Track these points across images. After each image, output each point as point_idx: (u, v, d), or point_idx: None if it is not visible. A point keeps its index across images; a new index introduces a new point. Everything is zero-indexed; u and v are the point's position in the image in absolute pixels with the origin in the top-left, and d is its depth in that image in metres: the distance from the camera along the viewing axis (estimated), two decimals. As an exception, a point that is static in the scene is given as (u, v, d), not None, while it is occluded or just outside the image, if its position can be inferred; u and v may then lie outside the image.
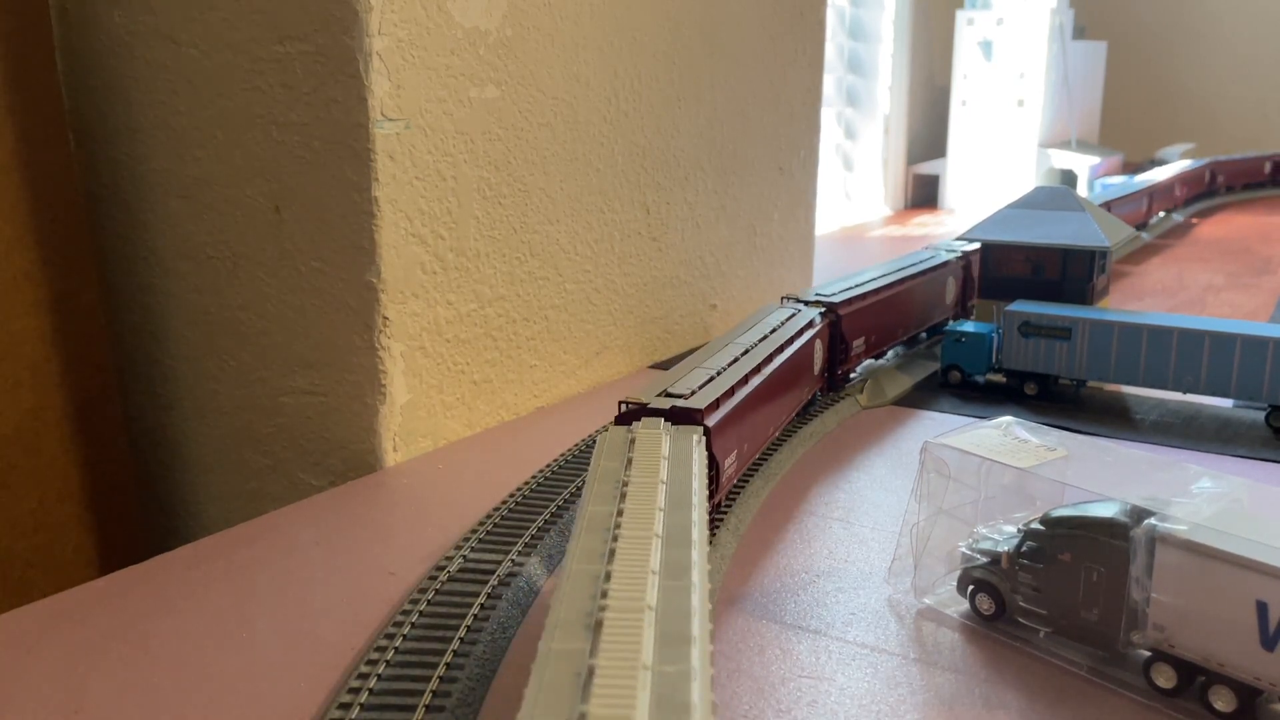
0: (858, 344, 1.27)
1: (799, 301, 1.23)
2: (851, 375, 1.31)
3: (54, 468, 1.08)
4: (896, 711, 0.65)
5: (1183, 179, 3.12)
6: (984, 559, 0.75)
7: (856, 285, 1.31)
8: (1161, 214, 2.95)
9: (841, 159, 3.46)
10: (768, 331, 1.08)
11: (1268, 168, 3.66)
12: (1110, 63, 4.06)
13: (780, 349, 1.04)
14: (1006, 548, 0.73)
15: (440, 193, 1.07)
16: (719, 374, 0.91)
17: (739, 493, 0.97)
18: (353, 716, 0.62)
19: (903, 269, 1.41)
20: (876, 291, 1.31)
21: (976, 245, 1.47)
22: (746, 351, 1.00)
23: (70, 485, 1.10)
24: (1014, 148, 3.49)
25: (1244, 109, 4.36)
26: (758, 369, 0.96)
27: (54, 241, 1.07)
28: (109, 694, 0.67)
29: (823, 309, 1.21)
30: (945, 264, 1.48)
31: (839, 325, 1.22)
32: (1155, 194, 2.84)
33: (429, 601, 0.75)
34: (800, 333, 1.11)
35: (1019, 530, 0.74)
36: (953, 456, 0.77)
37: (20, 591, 1.04)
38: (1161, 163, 3.58)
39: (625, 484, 0.62)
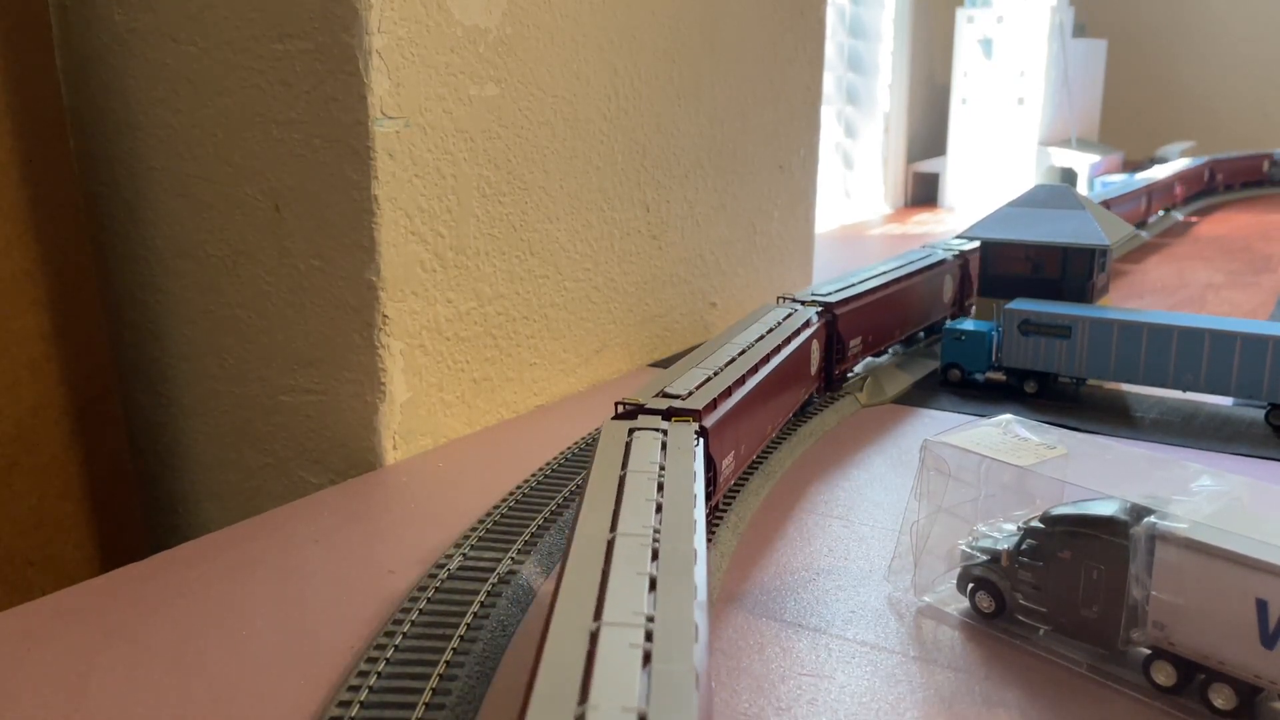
0: (727, 463, 0.88)
1: (643, 413, 0.80)
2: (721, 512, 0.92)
3: (54, 466, 1.08)
4: (896, 709, 0.65)
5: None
6: (984, 557, 0.75)
7: (709, 379, 0.90)
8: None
9: (841, 157, 3.46)
10: (613, 499, 0.64)
11: (1206, 175, 3.40)
12: (1110, 61, 4.06)
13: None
14: (1006, 546, 0.73)
15: (440, 191, 1.07)
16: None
17: (738, 492, 0.97)
18: (353, 714, 0.62)
19: (761, 338, 1.06)
20: (741, 381, 0.93)
21: (837, 294, 1.24)
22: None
23: (70, 483, 1.10)
24: (1014, 146, 3.49)
25: (1244, 107, 4.36)
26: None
27: (53, 240, 1.07)
28: (109, 692, 0.67)
29: (689, 421, 0.79)
30: (808, 323, 1.15)
31: (707, 441, 0.80)
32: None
33: (428, 600, 0.75)
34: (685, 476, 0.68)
35: (1019, 528, 0.74)
36: (952, 455, 0.77)
37: (20, 589, 1.04)
38: (1161, 161, 3.57)
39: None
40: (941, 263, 1.46)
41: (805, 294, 1.24)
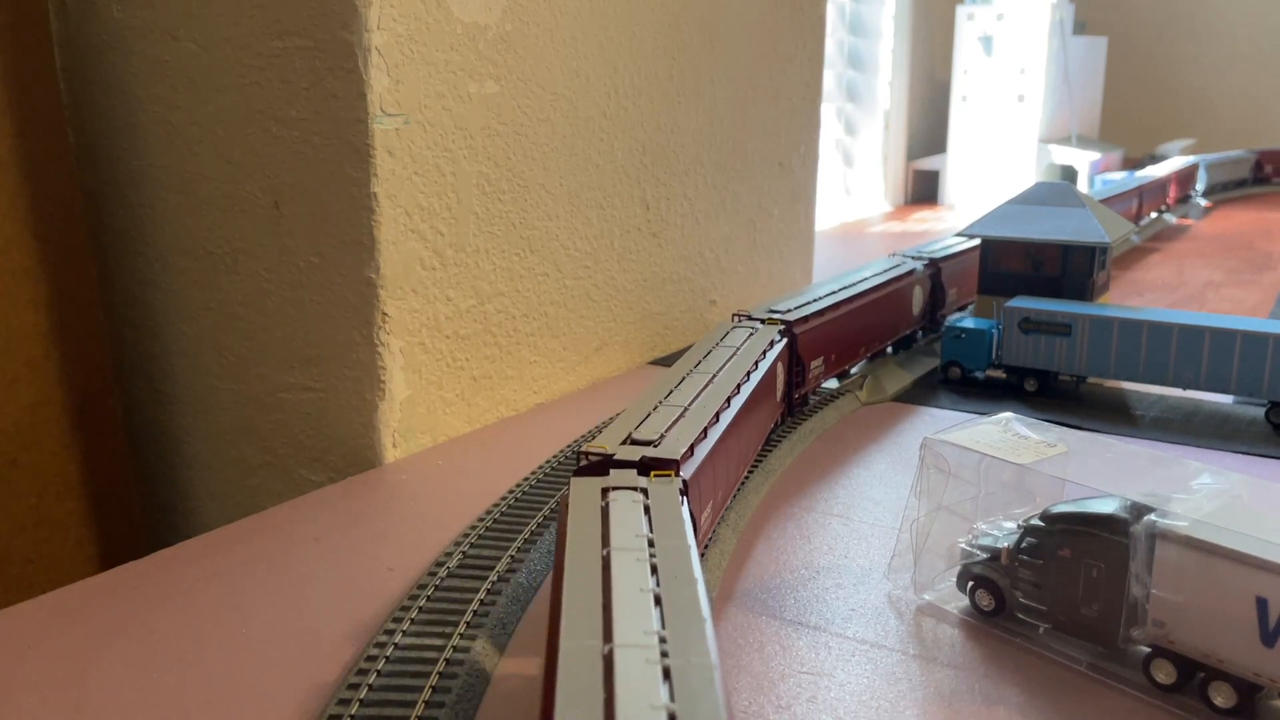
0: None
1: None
2: None
3: (53, 464, 1.08)
4: (896, 707, 0.65)
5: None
6: (984, 555, 0.75)
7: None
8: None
9: (841, 154, 3.45)
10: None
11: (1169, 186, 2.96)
12: (1110, 58, 4.06)
13: None
14: (1006, 544, 0.73)
15: (439, 188, 1.07)
16: None
17: (738, 491, 0.97)
18: (353, 713, 0.62)
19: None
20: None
21: None
22: None
23: (70, 481, 1.10)
24: (1014, 143, 3.49)
25: (1244, 104, 4.36)
26: None
27: (52, 237, 1.07)
28: (109, 690, 0.67)
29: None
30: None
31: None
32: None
33: (428, 598, 0.75)
34: None
35: (1019, 526, 0.74)
36: (952, 453, 0.77)
37: (20, 587, 1.04)
38: (1162, 158, 3.57)
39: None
40: (770, 346, 1.05)
41: (615, 443, 0.73)
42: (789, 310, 1.16)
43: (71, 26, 1.12)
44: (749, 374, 0.96)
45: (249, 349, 1.11)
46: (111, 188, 1.15)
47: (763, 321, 1.13)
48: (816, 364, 1.19)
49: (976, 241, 1.44)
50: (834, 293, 1.26)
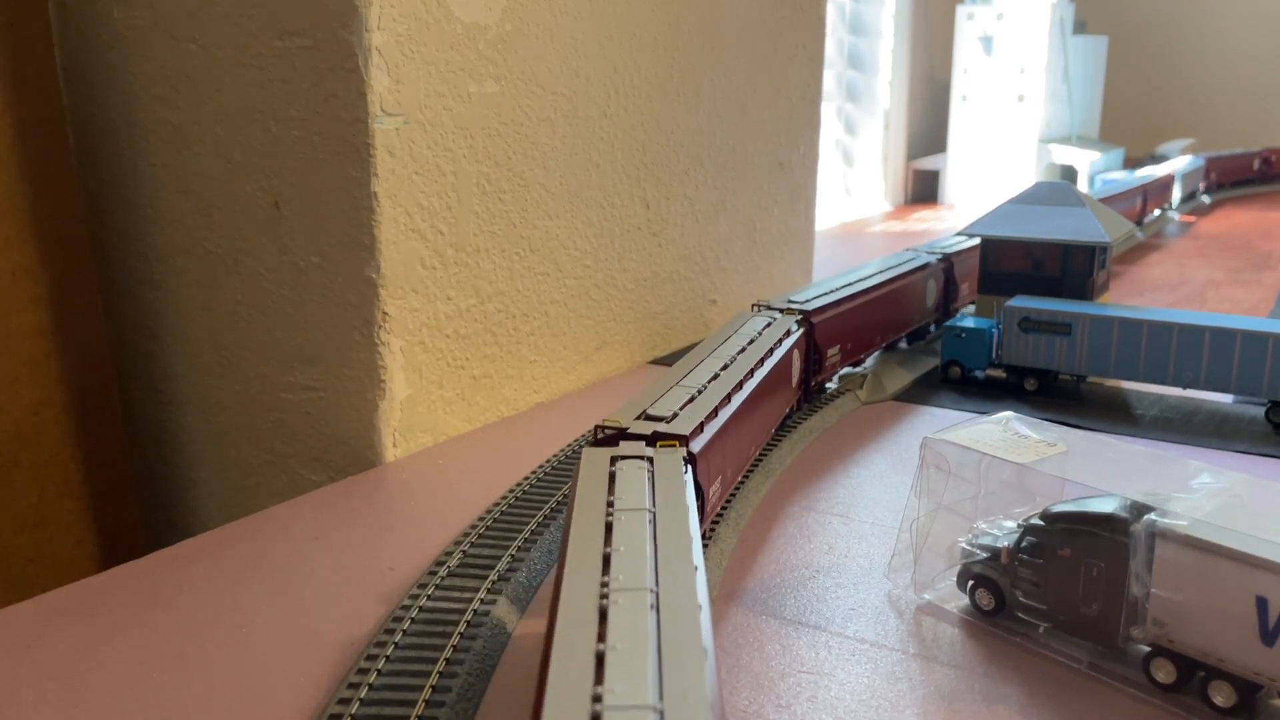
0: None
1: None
2: None
3: (54, 463, 1.08)
4: (896, 706, 0.65)
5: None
6: (984, 554, 0.75)
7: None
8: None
9: (841, 154, 3.45)
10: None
11: (1140, 199, 2.68)
12: (1111, 58, 4.06)
13: None
14: (1006, 543, 0.73)
15: (440, 188, 1.07)
16: None
17: (739, 488, 0.97)
18: (353, 712, 0.62)
19: None
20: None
21: None
22: None
23: (70, 481, 1.10)
24: (1014, 143, 3.49)
25: (1244, 104, 4.36)
26: None
27: (53, 237, 1.07)
28: (109, 689, 0.67)
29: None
30: None
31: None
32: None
33: (428, 597, 0.75)
34: None
35: (1019, 526, 0.74)
36: (952, 452, 0.77)
37: (20, 587, 1.04)
38: (1162, 158, 3.57)
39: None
40: (681, 486, 0.71)
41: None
42: (671, 416, 0.79)
43: (71, 27, 1.12)
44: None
45: (249, 348, 1.11)
46: (111, 187, 1.15)
47: (649, 441, 0.74)
48: (714, 489, 0.84)
49: (873, 283, 1.34)
50: (716, 376, 0.93)
